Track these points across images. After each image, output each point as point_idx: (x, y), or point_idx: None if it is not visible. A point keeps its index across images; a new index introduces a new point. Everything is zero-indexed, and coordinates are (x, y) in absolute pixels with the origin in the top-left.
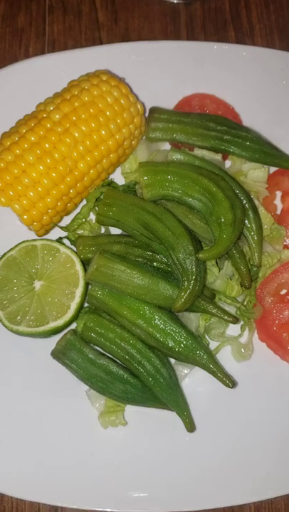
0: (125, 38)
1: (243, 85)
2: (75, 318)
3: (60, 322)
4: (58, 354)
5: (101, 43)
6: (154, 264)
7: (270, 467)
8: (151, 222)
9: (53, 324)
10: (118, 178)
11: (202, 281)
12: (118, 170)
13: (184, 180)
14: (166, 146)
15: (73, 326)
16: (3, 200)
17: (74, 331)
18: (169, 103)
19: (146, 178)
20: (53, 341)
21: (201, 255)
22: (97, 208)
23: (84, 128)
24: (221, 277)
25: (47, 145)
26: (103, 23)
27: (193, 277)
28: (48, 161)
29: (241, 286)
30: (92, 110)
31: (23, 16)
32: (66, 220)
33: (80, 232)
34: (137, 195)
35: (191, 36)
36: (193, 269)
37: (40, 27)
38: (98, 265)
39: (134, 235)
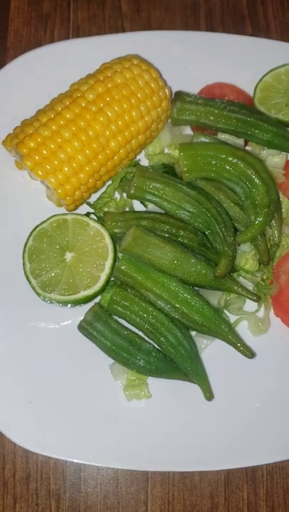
0: (147, 27)
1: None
2: (104, 288)
3: (90, 291)
4: (85, 326)
5: (124, 31)
6: (179, 239)
7: (282, 433)
8: (194, 196)
9: (84, 293)
10: (142, 160)
11: (236, 252)
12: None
13: (222, 164)
14: (188, 131)
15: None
16: (40, 173)
17: (100, 305)
18: (191, 91)
19: (187, 162)
20: (74, 317)
21: (239, 238)
22: (124, 188)
23: (117, 108)
24: (238, 252)
25: (82, 123)
26: (126, 12)
27: (232, 247)
28: (83, 138)
29: (259, 264)
30: (124, 92)
31: (48, 2)
32: (92, 198)
33: (105, 209)
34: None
35: (210, 29)
36: (232, 240)
37: (65, 13)
38: (134, 237)
39: (170, 208)
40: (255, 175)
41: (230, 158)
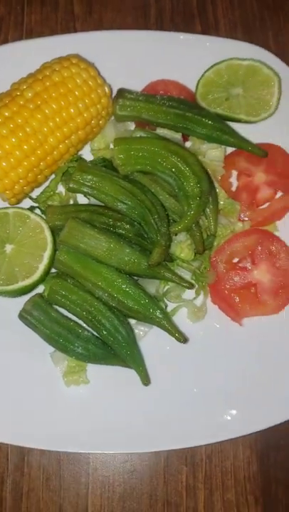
0: (98, 28)
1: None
2: (42, 279)
3: (28, 281)
4: (25, 315)
5: (75, 32)
6: (116, 230)
7: (218, 416)
8: (129, 188)
9: (22, 283)
10: (87, 155)
11: (170, 241)
12: (87, 147)
13: (155, 158)
14: (133, 127)
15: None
16: None
17: (41, 295)
18: (136, 88)
19: (121, 156)
20: (18, 307)
21: (173, 229)
22: (67, 182)
23: (54, 105)
24: (174, 242)
25: (19, 120)
26: (78, 14)
27: (166, 236)
28: (20, 134)
29: (195, 254)
30: (62, 90)
31: (3, 6)
32: (38, 192)
33: (50, 202)
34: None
35: (160, 28)
36: (166, 230)
37: (19, 17)
38: (70, 228)
39: (107, 200)
40: (186, 167)
41: (162, 152)
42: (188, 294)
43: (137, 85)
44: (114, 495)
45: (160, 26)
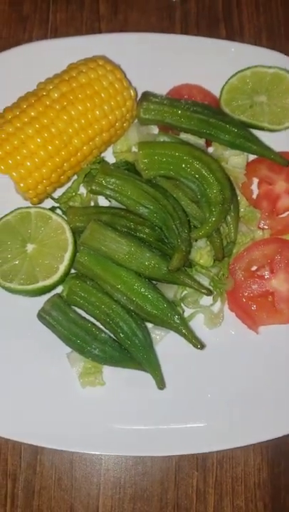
0: (123, 29)
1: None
2: (62, 279)
3: (49, 281)
4: (44, 315)
5: (100, 33)
6: (137, 234)
7: (231, 423)
8: (152, 193)
9: (42, 283)
10: (109, 157)
11: (191, 247)
12: (109, 149)
13: (179, 163)
14: (156, 130)
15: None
16: (2, 167)
17: (60, 295)
18: (160, 91)
19: (145, 160)
20: (37, 307)
21: (194, 235)
22: (89, 184)
23: (80, 107)
24: (194, 247)
25: (45, 120)
26: (103, 14)
27: (187, 242)
28: (46, 134)
29: (214, 260)
30: (88, 91)
31: (29, 4)
32: (59, 192)
33: (71, 203)
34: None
35: (185, 32)
36: (187, 236)
37: (44, 15)
38: (92, 230)
39: (129, 204)
40: (210, 174)
41: (186, 158)
42: (206, 300)
43: (161, 89)
44: (125, 496)
45: (185, 29)
